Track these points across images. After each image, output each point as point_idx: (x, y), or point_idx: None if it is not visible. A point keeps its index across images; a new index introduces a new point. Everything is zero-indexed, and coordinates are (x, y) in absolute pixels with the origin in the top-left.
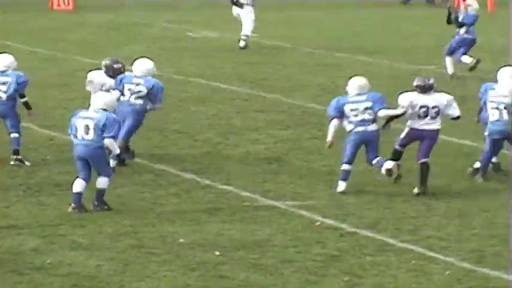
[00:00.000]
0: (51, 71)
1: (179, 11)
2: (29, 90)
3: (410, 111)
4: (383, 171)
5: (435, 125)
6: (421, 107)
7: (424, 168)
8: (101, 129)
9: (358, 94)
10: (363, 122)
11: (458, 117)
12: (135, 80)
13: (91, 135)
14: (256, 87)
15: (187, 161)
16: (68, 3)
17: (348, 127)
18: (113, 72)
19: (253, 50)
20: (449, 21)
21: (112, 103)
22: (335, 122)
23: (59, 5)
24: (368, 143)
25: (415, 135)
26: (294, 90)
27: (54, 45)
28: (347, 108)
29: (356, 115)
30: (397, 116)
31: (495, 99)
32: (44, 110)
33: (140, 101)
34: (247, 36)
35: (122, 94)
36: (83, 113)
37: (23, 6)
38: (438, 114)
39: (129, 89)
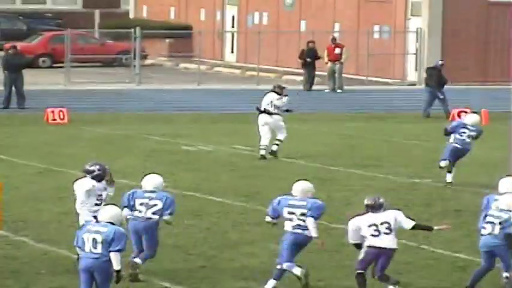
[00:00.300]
0: (46, 185)
1: (173, 124)
2: (23, 204)
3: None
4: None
5: (390, 242)
6: (370, 225)
7: (384, 278)
8: (109, 243)
9: (300, 199)
10: (299, 227)
11: (414, 228)
12: (147, 195)
13: (99, 249)
14: (252, 200)
15: (181, 275)
16: (63, 117)
17: (286, 227)
18: (105, 175)
19: (247, 163)
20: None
21: (120, 217)
22: (269, 219)
23: (53, 118)
24: (301, 246)
25: (371, 253)
26: None
27: (49, 159)
28: (285, 211)
29: (291, 219)
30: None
31: (494, 214)
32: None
33: (156, 216)
34: (280, 141)
35: (133, 210)
36: (90, 227)
37: (18, 120)
38: (391, 230)
39: (141, 204)
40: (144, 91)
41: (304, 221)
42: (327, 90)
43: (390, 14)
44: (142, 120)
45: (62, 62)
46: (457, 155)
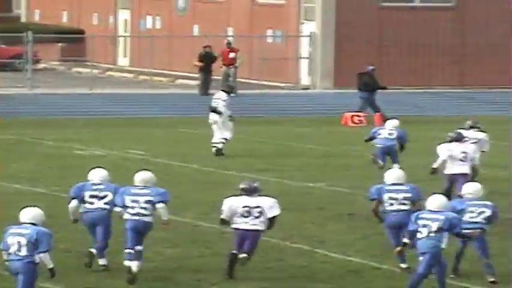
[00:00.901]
0: None
1: (66, 129)
2: None
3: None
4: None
5: (257, 226)
6: (244, 206)
7: (243, 260)
8: (34, 244)
9: (142, 187)
10: (140, 214)
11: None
12: (96, 187)
13: (24, 251)
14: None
15: (77, 280)
16: None
17: (125, 216)
18: None
19: (140, 168)
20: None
21: (41, 216)
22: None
23: None
24: (139, 232)
25: (239, 234)
26: (182, 207)
27: None
28: (128, 199)
29: (133, 207)
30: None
31: (427, 216)
32: None
33: (108, 206)
34: (226, 139)
35: (82, 202)
36: (13, 230)
37: None
38: (261, 214)
39: (92, 196)
40: (36, 96)
41: (147, 209)
42: None
43: (283, 19)
44: (35, 125)
45: None
46: (384, 152)
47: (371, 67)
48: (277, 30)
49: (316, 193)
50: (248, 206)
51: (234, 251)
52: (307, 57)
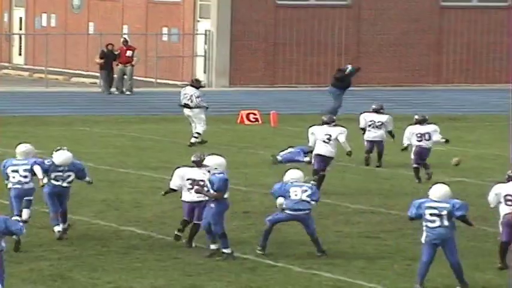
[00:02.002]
0: None
1: None
2: None
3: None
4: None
5: (198, 198)
6: (188, 179)
7: (194, 229)
8: None
9: (23, 159)
10: (20, 182)
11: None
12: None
13: None
14: (38, 204)
15: None
16: None
17: (9, 184)
18: None
19: None
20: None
21: None
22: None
23: None
24: (24, 197)
25: (185, 207)
26: (78, 206)
27: None
28: (9, 170)
29: (14, 177)
30: None
31: (433, 205)
32: None
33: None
34: (199, 134)
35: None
36: None
37: None
38: (203, 188)
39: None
40: None
41: (26, 177)
42: (116, 93)
43: (179, 17)
44: None
45: None
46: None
47: (350, 66)
48: (172, 28)
49: None
50: (194, 179)
51: (186, 218)
52: (202, 55)
